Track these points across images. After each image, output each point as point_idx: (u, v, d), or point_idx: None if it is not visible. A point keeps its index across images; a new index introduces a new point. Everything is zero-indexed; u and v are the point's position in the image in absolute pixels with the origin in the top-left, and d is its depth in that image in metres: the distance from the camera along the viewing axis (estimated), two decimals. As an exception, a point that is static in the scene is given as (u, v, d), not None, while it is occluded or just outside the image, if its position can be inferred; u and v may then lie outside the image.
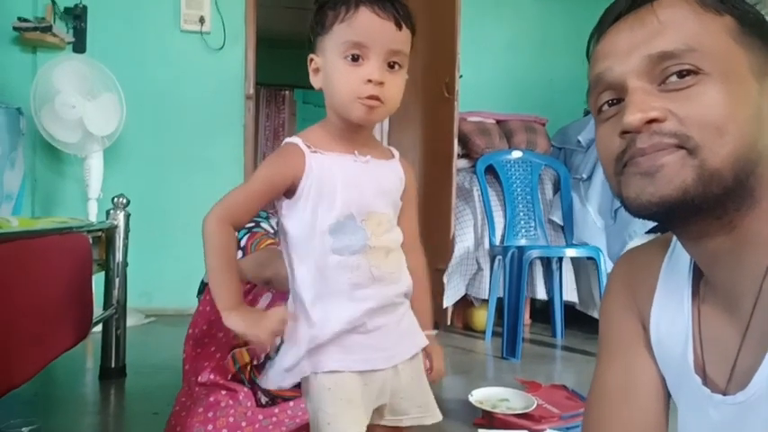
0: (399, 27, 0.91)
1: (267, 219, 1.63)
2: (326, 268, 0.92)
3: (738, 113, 0.57)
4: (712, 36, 0.58)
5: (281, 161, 0.93)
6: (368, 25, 0.89)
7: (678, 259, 0.71)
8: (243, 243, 1.55)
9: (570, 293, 3.21)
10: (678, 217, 0.60)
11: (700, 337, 0.66)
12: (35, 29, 3.33)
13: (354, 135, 0.97)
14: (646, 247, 0.78)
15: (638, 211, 0.61)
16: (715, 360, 0.64)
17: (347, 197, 0.92)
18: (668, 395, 0.74)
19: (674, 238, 0.72)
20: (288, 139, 0.96)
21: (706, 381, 0.65)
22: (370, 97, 0.89)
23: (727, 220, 0.60)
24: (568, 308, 3.23)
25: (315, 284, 0.93)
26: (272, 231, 1.59)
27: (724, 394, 0.62)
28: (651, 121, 0.58)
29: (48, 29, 3.34)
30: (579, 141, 3.29)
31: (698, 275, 0.69)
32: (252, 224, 1.57)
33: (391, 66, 0.91)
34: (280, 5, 5.43)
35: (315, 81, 0.96)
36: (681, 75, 0.58)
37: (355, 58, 0.89)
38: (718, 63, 0.57)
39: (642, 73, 0.60)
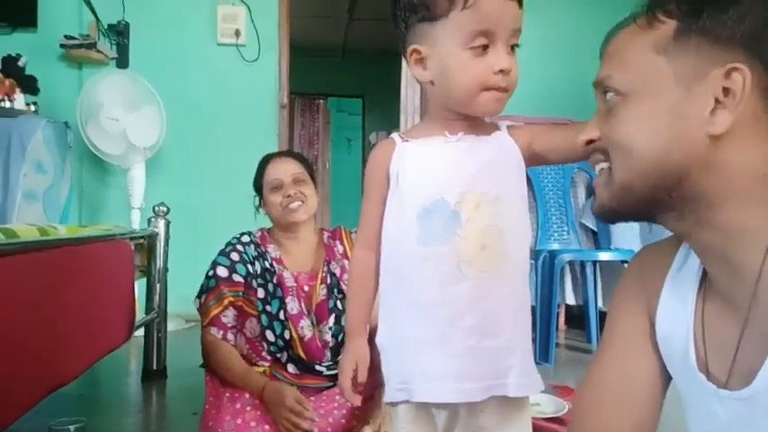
0: (521, 3, 0.82)
1: (255, 259, 1.65)
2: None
3: (643, 131, 0.63)
4: (634, 55, 0.64)
5: (372, 165, 0.90)
6: (495, 9, 0.79)
7: (688, 258, 0.72)
8: (202, 300, 1.62)
9: (606, 300, 3.16)
10: (630, 220, 0.71)
11: (702, 333, 0.67)
12: (80, 46, 3.49)
13: (458, 123, 0.87)
14: (660, 244, 0.79)
15: (599, 218, 0.75)
16: (717, 356, 0.65)
17: (435, 179, 0.84)
18: (665, 391, 0.75)
19: None
20: (391, 136, 0.92)
21: (709, 376, 0.65)
22: (499, 89, 0.81)
23: (693, 220, 0.63)
24: (604, 314, 3.18)
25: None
26: (243, 282, 1.60)
27: (726, 389, 0.63)
28: (590, 141, 0.70)
29: (92, 45, 3.50)
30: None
31: (705, 274, 0.70)
32: (226, 273, 1.61)
33: (512, 48, 0.82)
34: (313, 15, 5.53)
35: (420, 74, 0.86)
36: (610, 98, 0.67)
37: (483, 48, 0.79)
38: (633, 82, 0.64)
39: (599, 98, 0.70)
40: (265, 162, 1.76)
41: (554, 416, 1.77)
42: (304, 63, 5.99)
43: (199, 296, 1.65)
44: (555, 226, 3.20)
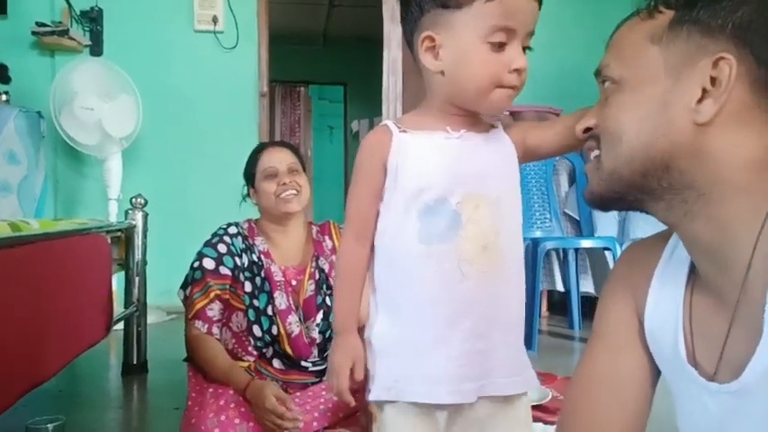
0: (540, 3, 0.81)
1: (242, 252, 1.62)
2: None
3: (632, 119, 0.64)
4: (631, 45, 0.66)
5: (366, 153, 0.86)
6: (520, 6, 0.78)
7: (676, 252, 0.72)
8: (187, 292, 1.58)
9: (587, 285, 3.20)
10: (618, 208, 0.72)
11: (690, 327, 0.67)
12: (53, 33, 3.40)
13: (458, 118, 0.85)
14: (649, 240, 0.79)
15: (588, 205, 0.74)
16: (706, 349, 0.65)
17: (438, 178, 0.82)
18: (654, 386, 0.75)
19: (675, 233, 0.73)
20: (383, 122, 0.88)
21: (699, 369, 0.65)
22: (511, 87, 0.80)
23: (682, 211, 0.64)
24: (587, 299, 3.22)
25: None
26: (231, 275, 1.57)
27: (716, 382, 0.63)
28: (588, 129, 0.71)
29: (65, 32, 3.41)
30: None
31: (694, 269, 0.70)
32: (212, 265, 1.57)
33: (524, 49, 0.81)
34: (292, 1, 5.45)
35: (430, 62, 0.82)
36: (607, 87, 0.68)
37: (501, 45, 0.78)
38: (628, 71, 0.65)
39: (600, 87, 0.71)
40: (259, 150, 1.73)
41: (537, 403, 1.78)
42: (284, 50, 5.91)
43: (183, 287, 1.61)
44: (537, 214, 3.21)
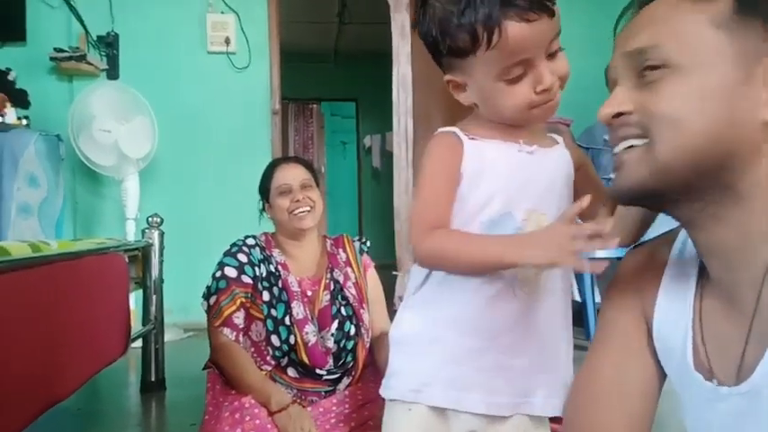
0: (552, 14, 0.74)
1: (260, 262, 1.64)
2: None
3: (699, 108, 0.58)
4: (687, 27, 0.60)
5: (444, 149, 0.82)
6: (524, 39, 0.73)
7: (684, 256, 0.71)
8: (212, 301, 1.60)
9: (599, 296, 3.17)
10: (649, 205, 0.67)
11: (701, 332, 0.66)
12: (70, 58, 3.49)
13: (516, 128, 0.84)
14: (651, 243, 0.78)
15: (615, 199, 0.70)
16: (718, 355, 0.64)
17: (508, 191, 0.80)
18: (659, 390, 0.74)
19: (680, 235, 0.73)
20: (440, 129, 0.84)
21: (712, 376, 0.64)
22: (547, 102, 0.78)
23: (711, 212, 0.61)
24: (602, 309, 3.19)
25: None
26: (252, 283, 1.59)
27: (725, 386, 0.62)
28: (619, 114, 0.64)
29: (82, 57, 3.49)
30: (606, 140, 3.26)
31: (703, 271, 0.69)
32: (234, 273, 1.59)
33: (553, 54, 0.77)
34: (302, 21, 5.53)
35: (463, 98, 0.84)
36: (652, 69, 0.61)
37: (519, 77, 0.76)
38: (687, 55, 0.59)
39: (625, 70, 0.65)
40: (273, 166, 1.76)
41: (554, 415, 1.77)
42: (296, 68, 5.99)
43: (206, 298, 1.62)
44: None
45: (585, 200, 0.69)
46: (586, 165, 0.90)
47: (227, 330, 1.57)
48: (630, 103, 0.63)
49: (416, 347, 0.83)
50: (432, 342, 0.82)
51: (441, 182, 0.80)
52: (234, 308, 1.57)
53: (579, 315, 3.33)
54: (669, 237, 0.75)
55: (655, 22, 0.62)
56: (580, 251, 0.66)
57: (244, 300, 1.58)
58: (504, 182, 0.80)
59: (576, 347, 2.91)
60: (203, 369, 1.68)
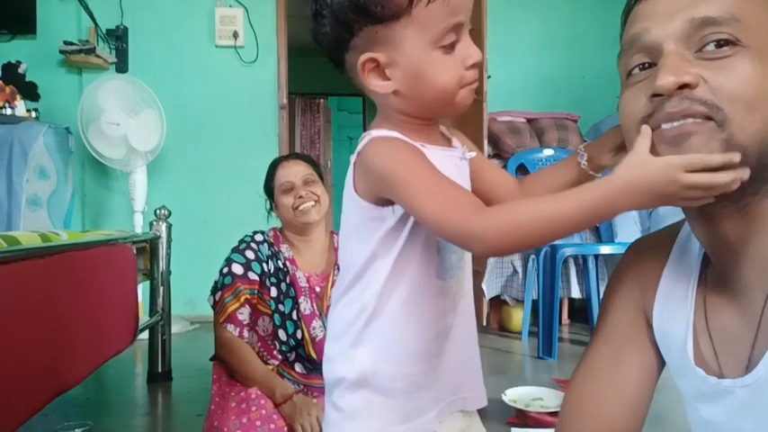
0: None
1: (269, 258, 1.66)
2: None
3: None
4: (758, 8, 0.57)
5: (409, 149, 0.70)
6: None
7: (686, 249, 0.71)
8: (217, 297, 1.63)
9: (608, 291, 3.17)
10: None
11: (707, 326, 0.66)
12: (80, 51, 3.51)
13: (429, 129, 0.76)
14: (655, 235, 0.77)
15: None
16: (724, 349, 0.64)
17: None
18: (655, 383, 0.74)
19: (684, 228, 0.72)
20: (380, 133, 0.72)
21: (717, 370, 0.64)
22: (473, 83, 0.71)
23: (743, 204, 0.59)
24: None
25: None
26: (258, 280, 1.62)
27: (728, 379, 0.62)
28: (683, 86, 0.57)
29: (91, 51, 3.51)
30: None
31: (706, 265, 0.68)
32: (241, 270, 1.62)
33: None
34: (311, 15, 5.52)
35: (378, 85, 0.71)
36: (719, 44, 0.57)
37: (452, 45, 0.69)
38: (759, 37, 0.56)
39: (681, 37, 0.58)
40: (275, 165, 1.77)
41: (557, 410, 1.78)
42: (303, 63, 5.98)
43: (213, 293, 1.65)
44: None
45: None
46: (486, 161, 0.86)
47: (230, 327, 1.60)
48: (695, 76, 0.56)
49: (375, 387, 0.75)
50: (390, 379, 0.75)
51: (435, 171, 0.67)
52: (237, 304, 1.60)
53: (584, 312, 3.33)
54: (673, 229, 0.74)
55: None
56: (692, 200, 0.57)
57: (249, 296, 1.61)
58: None
59: (581, 343, 2.90)
60: (210, 360, 1.70)
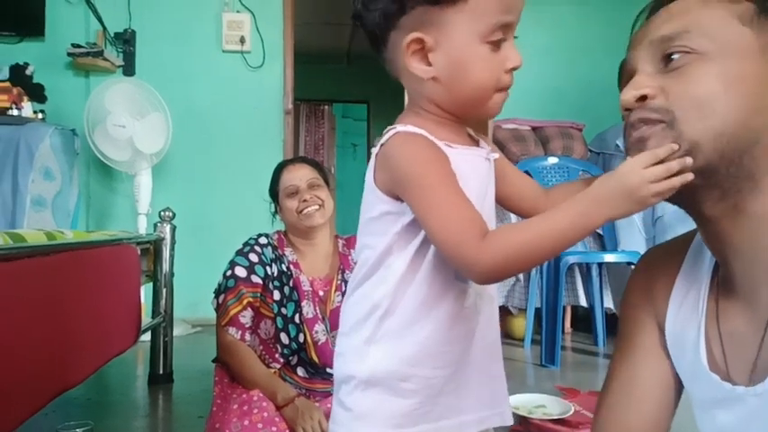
0: None
1: (272, 262, 1.65)
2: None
3: (729, 91, 0.60)
4: (715, 20, 0.62)
5: (430, 151, 0.68)
6: None
7: (698, 257, 0.71)
8: (220, 300, 1.62)
9: (612, 300, 3.16)
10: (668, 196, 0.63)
11: (718, 331, 0.66)
12: (87, 54, 3.52)
13: (457, 128, 0.75)
14: (668, 245, 0.78)
15: None
16: (734, 355, 0.64)
17: (482, 205, 0.70)
18: (679, 394, 0.74)
19: (697, 236, 0.72)
20: (406, 128, 0.70)
21: (728, 376, 0.64)
22: (507, 89, 0.71)
23: (731, 203, 0.62)
24: (613, 315, 3.17)
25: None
26: (262, 283, 1.61)
27: (742, 386, 0.62)
28: (644, 98, 0.64)
29: (99, 54, 3.53)
30: (618, 146, 3.25)
31: (718, 271, 0.69)
32: (244, 273, 1.61)
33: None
34: (317, 22, 5.56)
35: (419, 68, 0.69)
36: (678, 55, 0.62)
37: (498, 43, 0.68)
38: (715, 44, 0.61)
39: (648, 58, 0.65)
40: (280, 169, 1.77)
41: (559, 417, 1.77)
42: (309, 69, 6.02)
43: (216, 296, 1.65)
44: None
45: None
46: (510, 166, 0.83)
47: (232, 330, 1.60)
48: (654, 87, 0.63)
49: (387, 388, 0.73)
50: (403, 380, 0.72)
51: (452, 185, 0.66)
52: (240, 308, 1.60)
53: (587, 321, 3.32)
54: (687, 238, 0.75)
55: (684, 13, 0.63)
56: (661, 194, 0.60)
57: (251, 299, 1.60)
58: (475, 201, 0.67)
59: (584, 352, 2.89)
60: (213, 362, 1.70)
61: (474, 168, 0.71)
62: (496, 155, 0.78)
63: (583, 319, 3.49)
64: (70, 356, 1.43)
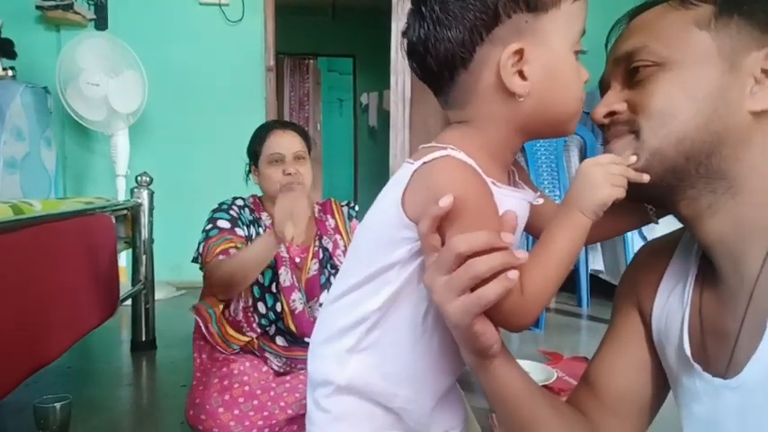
0: None
1: (250, 224, 1.59)
2: None
3: (688, 97, 0.62)
4: (673, 29, 0.64)
5: (479, 187, 0.61)
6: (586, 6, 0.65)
7: (688, 250, 0.72)
8: (201, 248, 1.53)
9: (597, 262, 3.17)
10: (643, 197, 0.67)
11: (700, 323, 0.67)
12: (57, 7, 3.37)
13: (508, 162, 0.70)
14: (662, 238, 0.79)
15: None
16: (715, 347, 0.65)
17: (516, 244, 0.64)
18: (661, 392, 0.75)
19: (686, 232, 0.73)
20: (459, 155, 0.61)
21: (708, 367, 0.65)
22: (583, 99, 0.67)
23: (707, 203, 0.64)
24: (597, 278, 3.19)
25: None
26: (244, 238, 1.54)
27: (721, 378, 0.63)
28: (612, 113, 0.67)
29: (69, 6, 3.37)
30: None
31: (704, 266, 0.69)
32: (228, 225, 1.53)
33: None
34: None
35: (517, 84, 0.61)
36: (641, 69, 0.65)
37: (577, 54, 0.64)
38: (673, 52, 0.63)
39: (616, 74, 0.68)
40: (267, 131, 1.67)
41: (543, 384, 1.78)
42: (292, 22, 5.82)
43: (198, 248, 1.55)
44: (547, 191, 3.17)
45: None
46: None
47: (221, 257, 1.49)
48: (621, 103, 0.67)
49: (365, 397, 0.71)
50: (381, 395, 0.70)
51: (491, 228, 0.59)
52: (226, 245, 1.50)
53: (572, 282, 3.34)
54: (678, 233, 0.76)
55: (643, 28, 0.66)
56: (622, 181, 0.62)
57: (238, 247, 1.51)
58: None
59: (568, 314, 2.91)
60: (199, 267, 1.59)
61: (518, 216, 0.64)
62: (541, 200, 0.71)
63: (567, 281, 3.52)
64: (44, 333, 1.40)
